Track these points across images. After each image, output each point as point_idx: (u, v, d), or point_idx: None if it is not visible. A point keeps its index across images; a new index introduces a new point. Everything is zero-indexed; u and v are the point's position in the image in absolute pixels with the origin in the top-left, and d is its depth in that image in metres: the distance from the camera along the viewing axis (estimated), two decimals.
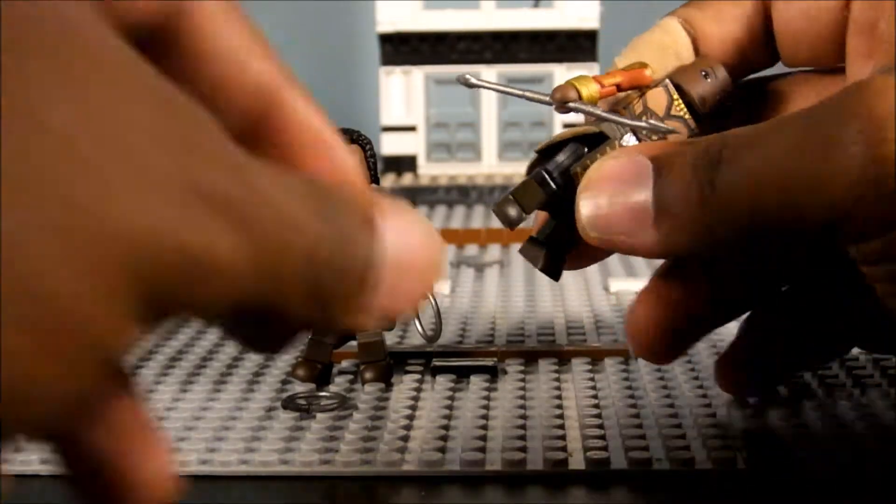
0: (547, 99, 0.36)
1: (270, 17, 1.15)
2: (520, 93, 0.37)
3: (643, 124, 0.36)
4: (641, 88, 0.37)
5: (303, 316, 0.23)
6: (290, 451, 0.37)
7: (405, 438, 0.38)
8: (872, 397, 0.41)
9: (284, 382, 0.44)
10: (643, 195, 0.33)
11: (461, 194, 0.81)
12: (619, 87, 0.37)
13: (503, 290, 0.57)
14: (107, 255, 0.20)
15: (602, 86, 0.36)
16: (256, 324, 0.24)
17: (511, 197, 0.35)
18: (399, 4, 0.85)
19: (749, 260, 0.39)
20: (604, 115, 0.36)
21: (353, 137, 0.42)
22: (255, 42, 0.27)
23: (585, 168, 0.35)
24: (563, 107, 0.36)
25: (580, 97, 0.36)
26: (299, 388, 0.43)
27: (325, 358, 0.43)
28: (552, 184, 0.35)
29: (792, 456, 0.36)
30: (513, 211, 0.35)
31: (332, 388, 0.43)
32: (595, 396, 0.42)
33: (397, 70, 0.85)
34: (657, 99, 0.37)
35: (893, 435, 0.37)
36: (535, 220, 0.39)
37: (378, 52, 0.85)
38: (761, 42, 0.39)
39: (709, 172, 0.33)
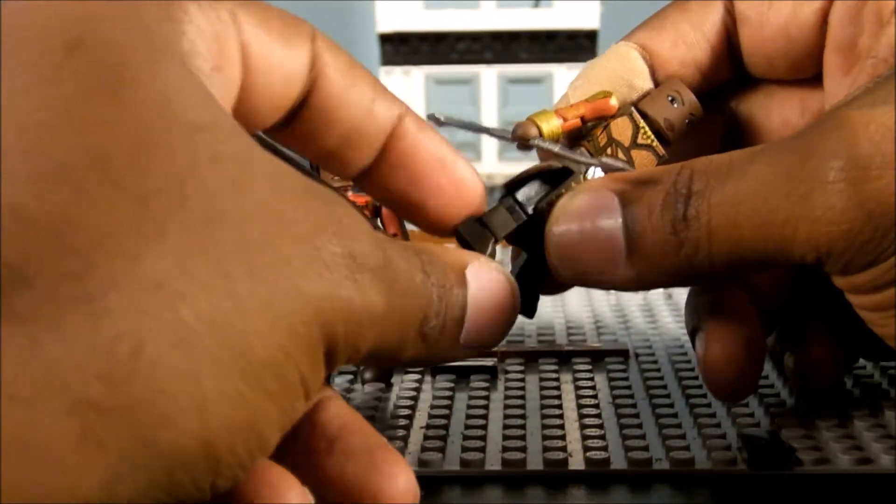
0: (508, 136, 0.36)
1: None
2: (483, 128, 0.36)
3: (594, 161, 0.35)
4: (606, 118, 0.37)
5: (413, 354, 0.29)
6: None
7: (405, 439, 0.38)
8: (873, 397, 0.41)
9: None
10: (613, 231, 0.33)
11: None
12: (583, 119, 0.36)
13: None
14: (302, 316, 0.25)
15: (565, 119, 0.36)
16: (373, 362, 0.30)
17: (480, 222, 0.34)
18: (399, 4, 0.85)
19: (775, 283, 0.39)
20: (561, 153, 0.35)
21: None
22: (372, 87, 0.32)
23: (551, 204, 0.34)
24: (523, 145, 0.35)
25: (541, 134, 0.35)
26: None
27: None
28: (522, 213, 0.35)
29: (792, 456, 0.36)
30: (479, 236, 0.34)
31: (332, 388, 0.43)
32: (595, 396, 0.42)
33: (397, 70, 0.85)
34: (622, 129, 0.36)
35: (894, 435, 0.37)
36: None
37: (378, 52, 0.85)
38: (722, 60, 0.39)
39: (680, 205, 0.32)
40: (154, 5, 0.27)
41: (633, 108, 0.37)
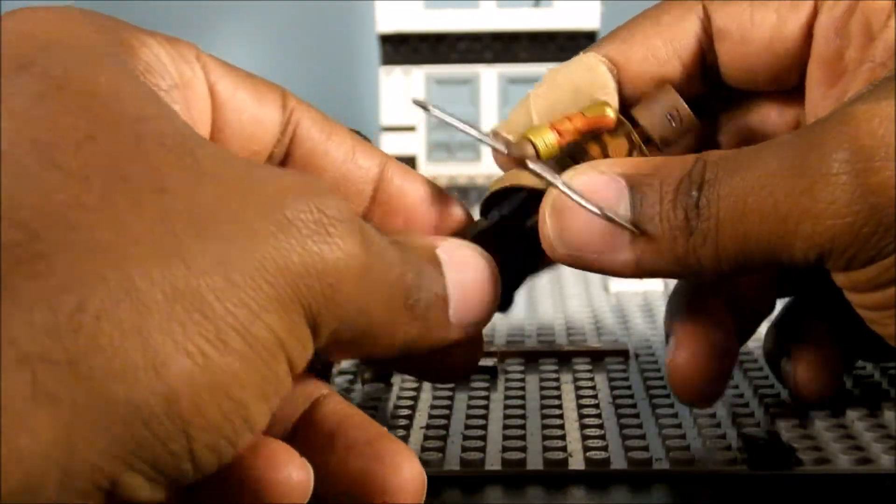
0: (503, 150, 0.35)
1: (271, 17, 1.15)
2: (477, 135, 0.35)
3: (579, 199, 0.33)
4: (602, 131, 0.36)
5: (407, 333, 0.29)
6: None
7: (405, 439, 0.38)
8: (873, 397, 0.41)
9: None
10: (618, 213, 0.33)
11: (461, 194, 0.81)
12: (580, 132, 0.35)
13: None
14: (267, 273, 0.25)
15: (560, 134, 0.35)
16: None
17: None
18: (399, 4, 0.85)
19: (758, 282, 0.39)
20: (555, 182, 0.33)
21: None
22: (350, 137, 0.34)
23: (535, 224, 0.34)
24: (518, 164, 0.35)
25: (537, 153, 0.34)
26: None
27: (325, 358, 0.43)
28: (496, 214, 0.35)
29: (792, 456, 0.36)
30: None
31: (331, 387, 0.43)
32: (595, 396, 0.42)
33: (397, 70, 0.85)
34: (618, 148, 0.36)
35: (894, 435, 0.37)
36: None
37: (378, 52, 0.85)
38: (694, 76, 0.38)
39: (694, 194, 0.32)
40: (109, 37, 0.28)
41: (632, 129, 0.36)
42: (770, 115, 0.39)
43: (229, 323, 0.24)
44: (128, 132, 0.25)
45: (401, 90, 0.86)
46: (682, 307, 0.38)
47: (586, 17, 0.82)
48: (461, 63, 0.85)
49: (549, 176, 0.34)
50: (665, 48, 0.38)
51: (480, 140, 0.35)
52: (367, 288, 0.27)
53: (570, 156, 0.35)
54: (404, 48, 0.85)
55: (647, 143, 0.36)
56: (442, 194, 0.36)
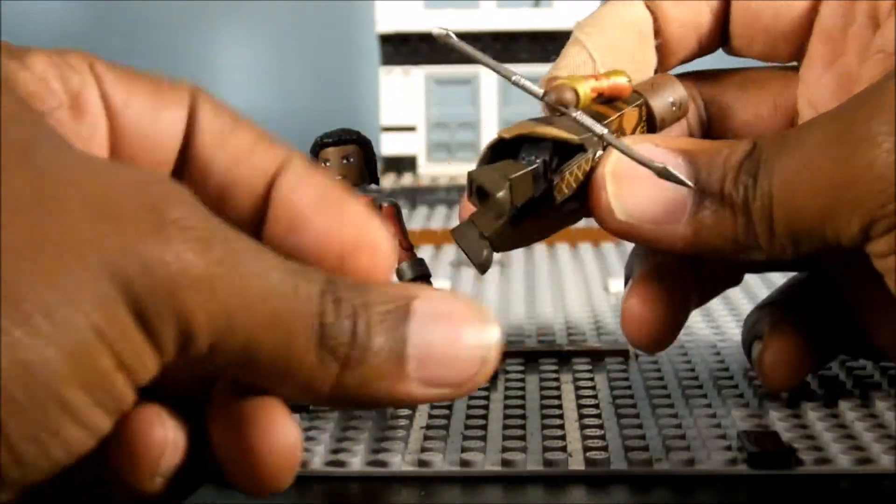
0: (540, 93, 0.34)
1: (271, 17, 1.15)
2: (510, 75, 0.34)
3: (641, 157, 0.33)
4: (619, 100, 0.36)
5: (325, 377, 0.27)
6: None
7: (405, 439, 0.38)
8: (873, 397, 0.41)
9: None
10: (681, 187, 0.33)
11: (461, 194, 0.81)
12: (601, 95, 0.35)
13: (503, 291, 0.57)
14: (83, 262, 0.24)
15: (587, 84, 0.35)
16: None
17: (506, 183, 0.33)
18: (399, 4, 0.85)
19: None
20: (594, 129, 0.33)
21: (353, 138, 0.42)
22: (253, 139, 0.32)
23: (564, 180, 0.33)
24: (556, 109, 0.34)
25: (578, 100, 0.34)
26: None
27: None
28: (544, 181, 0.33)
29: (792, 456, 0.36)
30: (502, 194, 0.33)
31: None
32: (595, 396, 0.42)
33: (397, 70, 0.85)
34: (630, 119, 0.36)
35: (894, 435, 0.37)
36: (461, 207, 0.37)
37: (378, 52, 0.85)
38: (715, 31, 0.39)
39: (752, 173, 0.33)
40: None
41: (644, 103, 0.36)
42: (766, 104, 0.40)
43: (37, 306, 0.24)
44: None
45: (401, 90, 0.86)
46: (646, 256, 0.39)
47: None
48: (461, 63, 0.85)
49: (597, 128, 0.33)
50: None
51: (517, 83, 0.33)
52: (231, 305, 0.26)
53: (588, 114, 0.35)
54: (404, 48, 0.85)
55: (649, 120, 0.37)
56: (344, 203, 0.31)
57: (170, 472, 0.27)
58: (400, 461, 0.36)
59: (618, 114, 0.36)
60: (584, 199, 0.35)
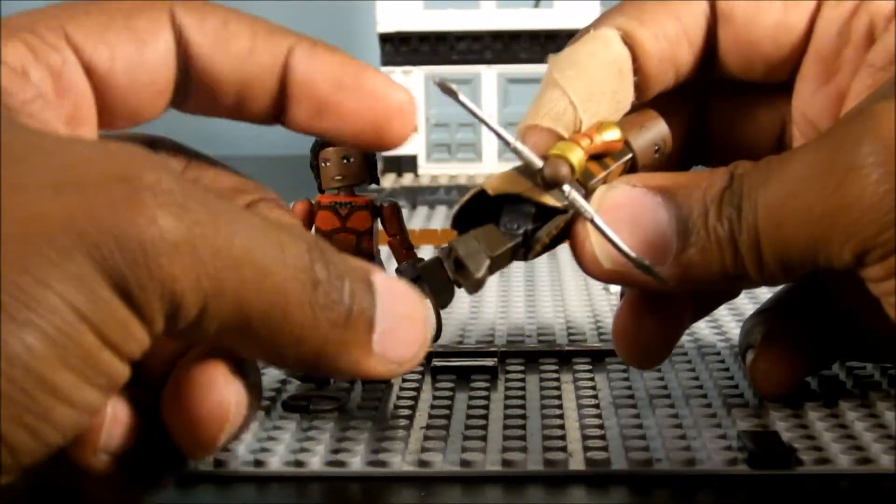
0: (538, 165, 0.33)
1: (271, 17, 1.15)
2: (509, 142, 0.33)
3: (625, 249, 0.32)
4: (608, 155, 0.35)
5: (315, 336, 0.27)
6: (289, 451, 0.37)
7: (405, 439, 0.38)
8: (873, 398, 0.41)
9: (284, 382, 0.44)
10: (663, 226, 0.33)
11: (461, 194, 0.80)
12: (595, 153, 0.34)
13: (503, 291, 0.57)
14: (49, 230, 0.24)
15: (584, 151, 0.34)
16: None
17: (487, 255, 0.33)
18: (399, 4, 0.85)
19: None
20: (579, 204, 0.32)
21: None
22: (250, 35, 0.32)
23: (540, 240, 0.33)
24: (551, 186, 0.33)
25: (573, 174, 0.33)
26: (297, 388, 0.43)
27: None
28: (520, 237, 0.33)
29: (792, 456, 0.36)
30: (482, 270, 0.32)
31: (332, 388, 0.43)
32: (595, 396, 0.42)
33: (397, 70, 0.85)
34: (615, 175, 0.35)
35: (894, 435, 0.37)
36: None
37: (378, 52, 0.85)
38: (697, 58, 0.38)
39: (735, 205, 0.32)
40: None
41: (630, 156, 0.36)
42: (758, 111, 0.40)
43: (10, 292, 0.23)
44: None
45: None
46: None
47: (586, 17, 0.82)
48: (461, 63, 0.85)
49: (585, 208, 0.33)
50: (674, 26, 0.37)
51: (507, 143, 0.33)
52: (217, 266, 0.25)
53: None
54: (404, 48, 0.85)
55: (632, 170, 0.36)
56: (363, 75, 0.33)
57: (114, 448, 0.27)
58: (400, 461, 0.36)
59: (605, 172, 0.35)
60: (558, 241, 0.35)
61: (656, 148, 0.37)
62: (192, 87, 0.32)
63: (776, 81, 0.39)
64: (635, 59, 0.37)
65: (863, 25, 0.37)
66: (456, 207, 0.34)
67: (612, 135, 0.35)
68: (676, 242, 0.33)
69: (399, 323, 0.29)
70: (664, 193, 0.33)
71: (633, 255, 0.32)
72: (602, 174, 0.35)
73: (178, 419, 0.28)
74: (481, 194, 0.34)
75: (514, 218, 0.34)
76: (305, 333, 0.27)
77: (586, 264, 0.34)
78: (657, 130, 0.37)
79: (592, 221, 0.33)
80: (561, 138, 0.35)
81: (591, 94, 0.35)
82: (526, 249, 0.34)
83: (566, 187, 0.33)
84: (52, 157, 0.25)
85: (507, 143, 0.33)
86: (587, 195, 0.34)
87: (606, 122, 0.35)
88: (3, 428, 0.24)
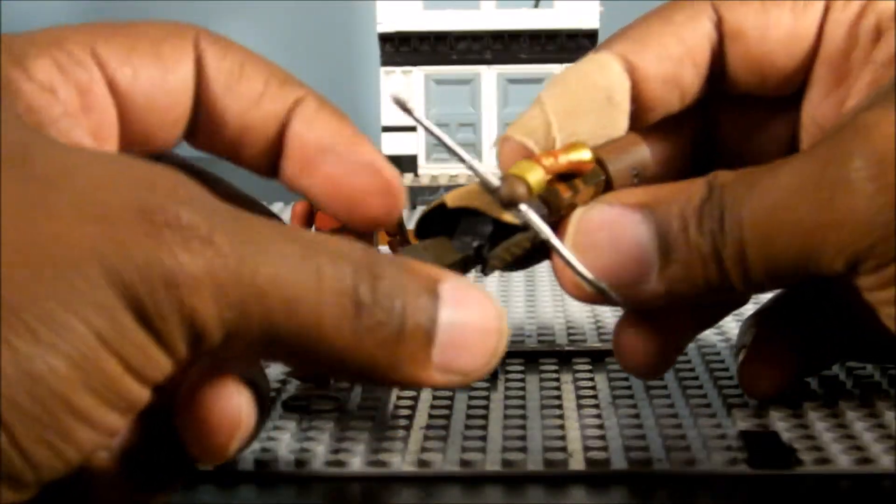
0: (493, 184, 0.32)
1: (272, 17, 1.15)
2: (466, 161, 0.32)
3: (582, 271, 0.32)
4: (578, 177, 0.35)
5: (357, 355, 0.27)
6: (289, 451, 0.37)
7: (405, 439, 0.38)
8: (873, 398, 0.41)
9: (284, 382, 0.44)
10: (643, 243, 0.32)
11: None
12: (560, 172, 0.34)
13: (503, 291, 0.57)
14: (80, 269, 0.24)
15: (546, 171, 0.33)
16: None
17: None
18: (399, 4, 0.85)
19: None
20: (539, 227, 0.32)
21: None
22: (264, 79, 0.33)
23: (501, 255, 0.33)
24: (509, 205, 0.32)
25: (530, 194, 0.32)
26: (298, 388, 0.43)
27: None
28: (475, 262, 0.33)
29: (792, 456, 0.36)
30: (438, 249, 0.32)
31: (332, 388, 0.43)
32: (595, 396, 0.42)
33: (397, 70, 0.85)
34: (586, 192, 0.35)
35: (894, 435, 0.37)
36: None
37: (378, 52, 0.85)
38: (702, 77, 0.38)
39: (716, 218, 0.32)
40: None
41: (602, 178, 0.35)
42: (767, 119, 0.39)
43: (38, 317, 0.24)
44: None
45: (401, 90, 0.85)
46: None
47: (586, 17, 0.82)
48: (461, 63, 0.85)
49: (540, 228, 0.32)
50: (678, 48, 0.37)
51: (466, 165, 0.32)
52: (241, 297, 0.25)
53: (539, 195, 0.33)
54: (404, 48, 0.85)
55: (605, 190, 0.35)
56: (357, 145, 0.33)
57: (121, 452, 0.28)
58: (400, 461, 0.36)
59: (571, 194, 0.34)
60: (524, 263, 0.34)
61: (634, 172, 0.36)
62: (200, 122, 0.33)
63: (791, 92, 0.38)
64: (635, 85, 0.36)
65: (870, 25, 0.36)
66: (417, 218, 0.34)
67: (581, 155, 0.34)
68: (658, 259, 0.32)
69: (466, 332, 0.28)
70: (643, 210, 0.33)
71: (589, 276, 0.32)
72: (569, 195, 0.34)
73: (190, 426, 0.28)
74: (442, 206, 0.34)
75: (469, 232, 0.33)
76: (347, 354, 0.27)
77: (568, 287, 0.34)
78: (637, 155, 0.36)
79: (548, 242, 0.32)
80: (530, 154, 0.34)
81: (571, 113, 0.35)
82: (482, 264, 0.33)
83: (523, 206, 0.32)
84: (84, 181, 0.25)
85: (462, 160, 0.32)
86: (553, 216, 0.33)
87: (578, 142, 0.35)
88: (27, 445, 0.24)
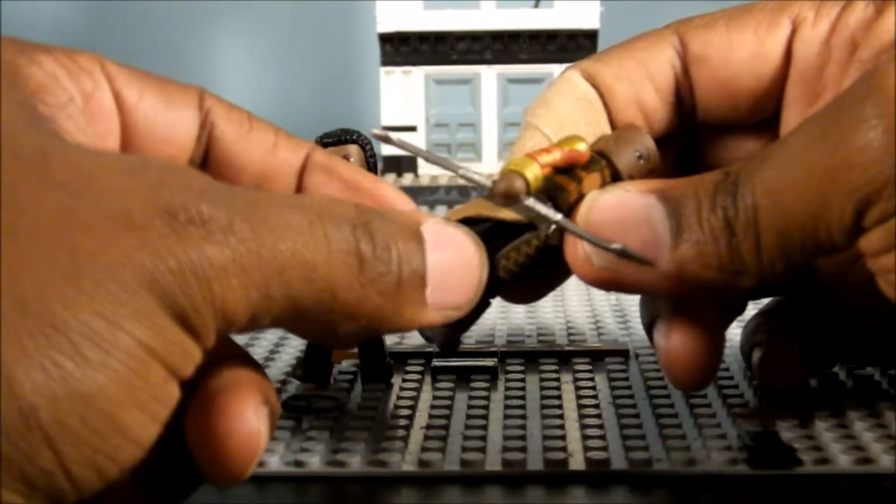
0: (488, 184, 0.33)
1: (272, 17, 1.15)
2: (456, 169, 0.33)
3: (565, 224, 0.32)
4: (576, 167, 0.34)
5: (369, 305, 0.28)
6: (289, 451, 0.37)
7: (405, 439, 0.38)
8: (873, 397, 0.41)
9: (284, 382, 0.44)
10: (656, 226, 0.32)
11: (461, 194, 0.81)
12: (557, 166, 0.34)
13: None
14: (122, 281, 0.24)
15: (541, 166, 0.33)
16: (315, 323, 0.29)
17: None
18: (399, 4, 0.85)
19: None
20: (545, 214, 0.32)
21: (353, 137, 0.42)
22: (272, 132, 0.34)
23: (509, 258, 0.33)
24: (507, 201, 0.32)
25: (528, 188, 0.32)
26: (297, 387, 0.43)
27: (325, 358, 0.43)
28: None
29: (792, 456, 0.36)
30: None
31: (332, 388, 0.43)
32: (595, 396, 0.42)
33: (397, 70, 0.85)
34: (592, 183, 0.34)
35: (894, 435, 0.37)
36: None
37: (378, 52, 0.85)
38: (669, 107, 0.38)
39: (730, 193, 0.32)
40: None
41: (604, 164, 0.35)
42: (747, 141, 0.39)
43: (84, 334, 0.24)
44: None
45: (401, 90, 0.86)
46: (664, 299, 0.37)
47: (586, 17, 0.82)
48: (461, 63, 0.85)
49: (539, 208, 0.32)
50: (637, 70, 0.38)
51: (462, 175, 0.33)
52: (264, 276, 0.26)
53: (543, 190, 0.34)
54: (404, 48, 0.85)
55: (615, 180, 0.35)
56: (377, 182, 0.35)
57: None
58: (400, 461, 0.36)
59: (576, 184, 0.34)
60: (545, 273, 0.35)
61: (638, 154, 0.36)
62: (213, 168, 0.34)
63: (763, 117, 0.38)
64: (602, 98, 0.38)
65: (843, 41, 0.37)
66: None
67: (577, 146, 0.35)
68: (669, 239, 0.32)
69: (451, 270, 0.30)
70: (658, 194, 0.33)
71: (607, 244, 0.32)
72: (573, 186, 0.34)
73: (206, 450, 0.28)
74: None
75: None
76: (357, 309, 0.28)
77: (578, 266, 0.34)
78: (637, 138, 0.36)
79: (558, 223, 0.33)
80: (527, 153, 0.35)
81: (563, 125, 0.36)
82: (491, 268, 0.32)
83: (525, 200, 0.32)
84: (97, 184, 0.26)
85: (454, 171, 0.34)
86: (560, 209, 0.33)
87: (571, 136, 0.35)
88: (74, 467, 0.24)
